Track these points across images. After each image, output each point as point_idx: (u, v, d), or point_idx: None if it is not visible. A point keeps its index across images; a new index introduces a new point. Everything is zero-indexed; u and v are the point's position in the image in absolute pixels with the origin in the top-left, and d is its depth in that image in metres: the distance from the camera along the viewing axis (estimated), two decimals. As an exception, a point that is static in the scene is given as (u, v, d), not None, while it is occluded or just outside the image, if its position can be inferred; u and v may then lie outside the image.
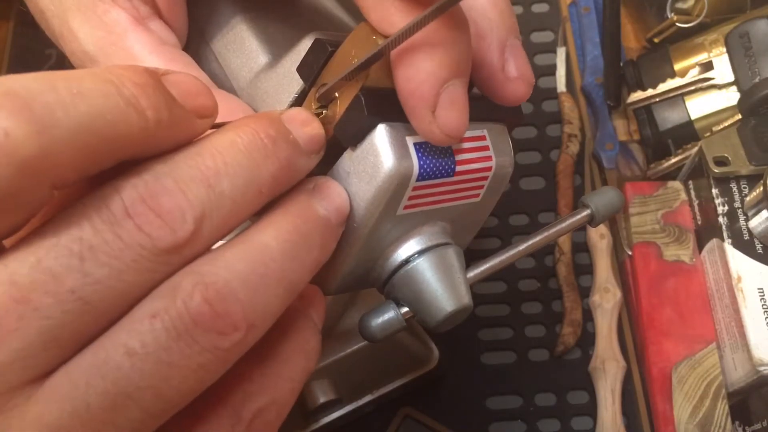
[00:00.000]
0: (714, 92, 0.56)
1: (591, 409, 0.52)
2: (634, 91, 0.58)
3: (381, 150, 0.25)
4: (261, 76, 0.29)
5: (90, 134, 0.19)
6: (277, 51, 0.29)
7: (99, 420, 0.20)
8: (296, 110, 0.25)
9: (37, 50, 0.64)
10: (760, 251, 0.48)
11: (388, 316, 0.27)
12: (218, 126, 0.24)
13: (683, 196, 0.54)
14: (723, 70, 0.55)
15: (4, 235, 0.20)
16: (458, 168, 0.26)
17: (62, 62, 0.63)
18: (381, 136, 0.25)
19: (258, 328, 0.22)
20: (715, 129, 0.55)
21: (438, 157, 0.25)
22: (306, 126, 0.25)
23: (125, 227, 0.20)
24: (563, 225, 0.30)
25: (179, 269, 0.21)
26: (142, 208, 0.20)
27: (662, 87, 0.57)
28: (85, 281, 0.19)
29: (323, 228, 0.25)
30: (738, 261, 0.48)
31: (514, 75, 0.27)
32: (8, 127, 0.18)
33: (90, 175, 0.20)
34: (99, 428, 0.20)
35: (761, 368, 0.45)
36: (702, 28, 0.57)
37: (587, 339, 0.54)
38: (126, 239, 0.20)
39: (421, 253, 0.27)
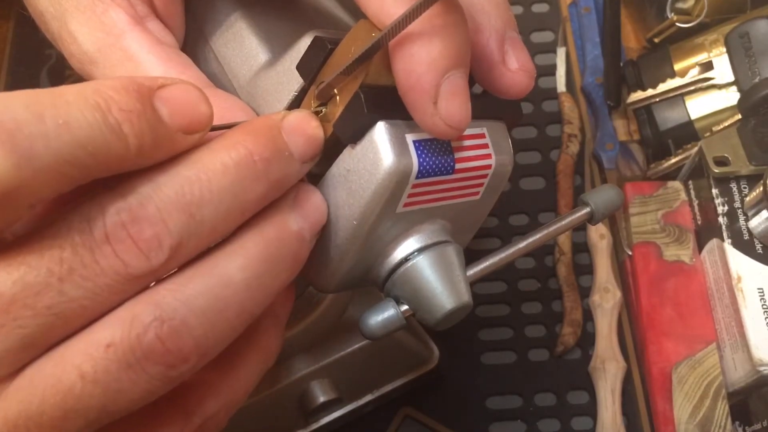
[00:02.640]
0: (714, 92, 0.56)
1: (591, 409, 0.52)
2: (634, 91, 0.58)
3: (380, 147, 0.25)
4: (261, 74, 0.29)
5: (69, 164, 0.20)
6: (277, 49, 0.29)
7: (49, 425, 0.21)
8: (297, 116, 0.25)
9: (37, 50, 0.64)
10: (760, 251, 0.48)
11: (388, 314, 0.27)
12: (219, 128, 0.24)
13: (683, 196, 0.54)
14: (723, 70, 0.55)
15: None
16: (458, 166, 0.26)
17: (62, 62, 0.63)
18: (380, 133, 0.25)
19: (210, 355, 0.23)
20: (715, 129, 0.55)
21: (437, 154, 0.25)
22: (306, 133, 0.25)
23: (104, 252, 0.21)
24: (563, 223, 0.30)
25: (145, 288, 0.22)
26: (122, 235, 0.21)
27: (662, 87, 0.57)
28: (60, 299, 0.21)
29: (296, 248, 0.25)
30: (738, 261, 0.48)
31: (515, 67, 0.27)
32: None
33: (66, 191, 0.21)
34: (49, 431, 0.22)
35: (761, 368, 0.45)
36: (702, 28, 0.57)
37: (587, 339, 0.54)
38: (102, 264, 0.21)
39: (420, 250, 0.27)
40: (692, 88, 0.56)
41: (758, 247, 0.48)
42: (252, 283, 0.23)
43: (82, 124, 0.20)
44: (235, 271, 0.23)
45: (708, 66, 0.56)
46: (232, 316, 0.23)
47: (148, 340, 0.21)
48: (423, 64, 0.23)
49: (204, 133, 0.23)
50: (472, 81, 0.27)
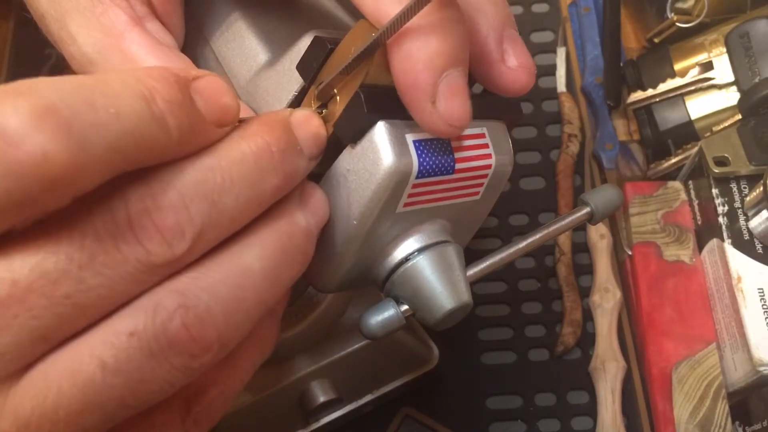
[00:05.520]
0: (714, 92, 0.56)
1: (591, 409, 0.52)
2: (634, 91, 0.58)
3: (380, 147, 0.25)
4: (261, 74, 0.29)
5: (118, 154, 0.20)
6: (277, 49, 0.29)
7: (65, 421, 0.21)
8: (304, 113, 0.25)
9: (37, 50, 0.64)
10: (760, 251, 0.48)
11: (388, 314, 0.27)
12: None
13: (683, 196, 0.54)
14: (723, 70, 0.55)
15: (13, 226, 0.20)
16: (458, 166, 0.26)
17: (62, 62, 0.63)
18: (380, 133, 0.25)
19: (229, 346, 0.23)
20: (715, 129, 0.55)
21: (437, 154, 0.25)
22: (311, 130, 0.25)
23: (126, 239, 0.20)
24: (563, 223, 0.30)
25: (165, 280, 0.22)
26: (145, 222, 0.21)
27: (662, 87, 0.57)
28: (79, 288, 0.20)
29: (306, 242, 0.25)
30: (738, 261, 0.48)
31: (514, 64, 0.27)
32: (48, 150, 0.18)
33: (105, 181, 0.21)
34: (64, 428, 0.21)
35: (761, 368, 0.45)
36: (702, 28, 0.57)
37: (587, 339, 0.54)
38: (125, 252, 0.20)
39: (420, 250, 0.27)
40: (692, 88, 0.56)
41: (758, 247, 0.48)
42: (269, 273, 0.23)
43: (130, 114, 0.20)
44: (253, 260, 0.23)
45: (708, 66, 0.56)
46: (251, 306, 0.23)
47: (174, 327, 0.21)
48: (420, 63, 0.23)
49: (232, 126, 0.23)
50: (472, 80, 0.27)
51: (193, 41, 0.31)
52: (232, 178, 0.22)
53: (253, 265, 0.23)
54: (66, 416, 0.20)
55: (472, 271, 0.28)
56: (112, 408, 0.21)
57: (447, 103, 0.24)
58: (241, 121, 0.24)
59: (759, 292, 0.47)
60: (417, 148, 0.25)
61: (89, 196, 0.21)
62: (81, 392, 0.20)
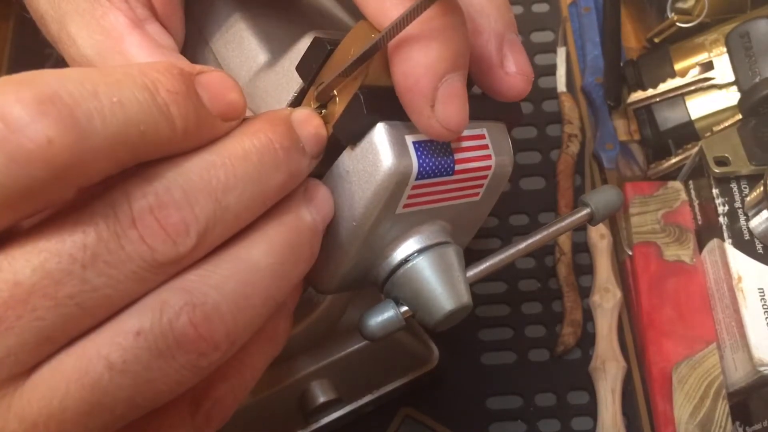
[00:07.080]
0: (714, 92, 0.56)
1: (591, 410, 0.52)
2: (635, 91, 0.58)
3: (380, 148, 0.24)
4: (260, 75, 0.29)
5: (122, 143, 0.20)
6: (277, 50, 0.29)
7: (72, 422, 0.21)
8: (305, 112, 0.25)
9: (37, 50, 0.64)
10: (761, 251, 0.48)
11: (387, 315, 0.27)
12: None
13: (683, 196, 0.54)
14: (723, 69, 0.55)
15: (18, 222, 0.20)
16: (458, 167, 0.26)
17: (62, 63, 0.63)
18: (380, 134, 0.25)
19: (238, 344, 0.23)
20: (715, 129, 0.55)
21: (437, 155, 0.25)
22: (312, 129, 0.25)
23: (129, 237, 0.20)
24: (563, 224, 0.30)
25: (171, 278, 0.22)
26: (148, 220, 0.21)
27: (662, 87, 0.57)
28: (83, 288, 0.20)
29: (312, 238, 0.25)
30: (738, 261, 0.48)
31: (512, 70, 0.27)
32: (52, 135, 0.18)
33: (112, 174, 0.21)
34: (72, 429, 0.21)
35: (761, 368, 0.45)
36: (702, 28, 0.57)
37: (587, 339, 0.54)
38: (128, 250, 0.20)
39: (420, 252, 0.27)
40: (692, 88, 0.56)
41: (759, 247, 0.48)
42: (276, 269, 0.23)
43: (133, 103, 0.20)
44: (260, 256, 0.23)
45: (708, 66, 0.56)
46: (259, 302, 0.23)
47: (181, 325, 0.21)
48: (421, 67, 0.23)
49: (239, 121, 0.23)
50: (470, 83, 0.27)
51: (193, 42, 0.31)
52: (235, 174, 0.22)
53: (260, 261, 0.23)
54: (73, 417, 0.20)
55: (471, 272, 0.28)
56: (121, 408, 0.21)
57: (445, 108, 0.23)
58: (243, 120, 0.24)
59: (759, 292, 0.47)
60: (417, 150, 0.25)
61: (92, 194, 0.21)
62: (89, 393, 0.20)
